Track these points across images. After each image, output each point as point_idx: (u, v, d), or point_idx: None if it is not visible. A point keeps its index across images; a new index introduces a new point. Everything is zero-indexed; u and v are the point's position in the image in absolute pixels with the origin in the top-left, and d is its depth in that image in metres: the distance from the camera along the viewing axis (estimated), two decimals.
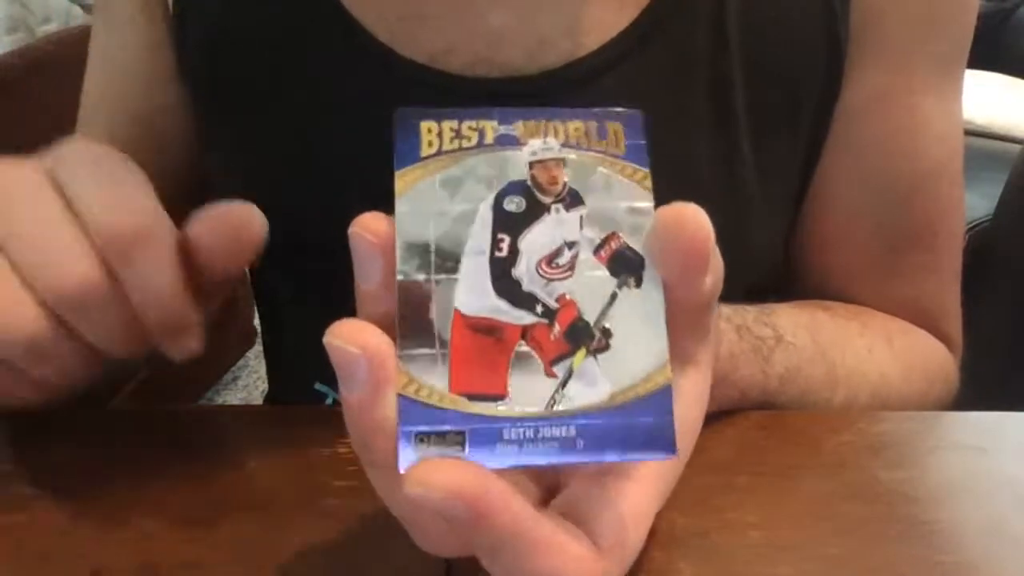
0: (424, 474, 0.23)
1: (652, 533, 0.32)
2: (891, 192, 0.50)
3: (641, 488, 0.27)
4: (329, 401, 0.53)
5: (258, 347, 1.82)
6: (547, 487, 0.28)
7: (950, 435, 0.40)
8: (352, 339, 0.24)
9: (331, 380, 0.35)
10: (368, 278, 0.25)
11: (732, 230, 0.49)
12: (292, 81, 0.48)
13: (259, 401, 1.52)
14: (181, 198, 0.58)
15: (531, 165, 0.27)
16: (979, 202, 1.18)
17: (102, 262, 0.31)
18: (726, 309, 0.41)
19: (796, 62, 0.47)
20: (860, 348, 0.48)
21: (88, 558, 0.32)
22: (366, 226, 0.25)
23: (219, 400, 1.77)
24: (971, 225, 1.17)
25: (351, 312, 0.26)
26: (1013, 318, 1.07)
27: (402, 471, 0.23)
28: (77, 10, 1.52)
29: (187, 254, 0.33)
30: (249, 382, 1.84)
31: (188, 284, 0.33)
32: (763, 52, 0.47)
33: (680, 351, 0.27)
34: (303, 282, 0.52)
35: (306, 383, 0.53)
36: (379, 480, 0.26)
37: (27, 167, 0.33)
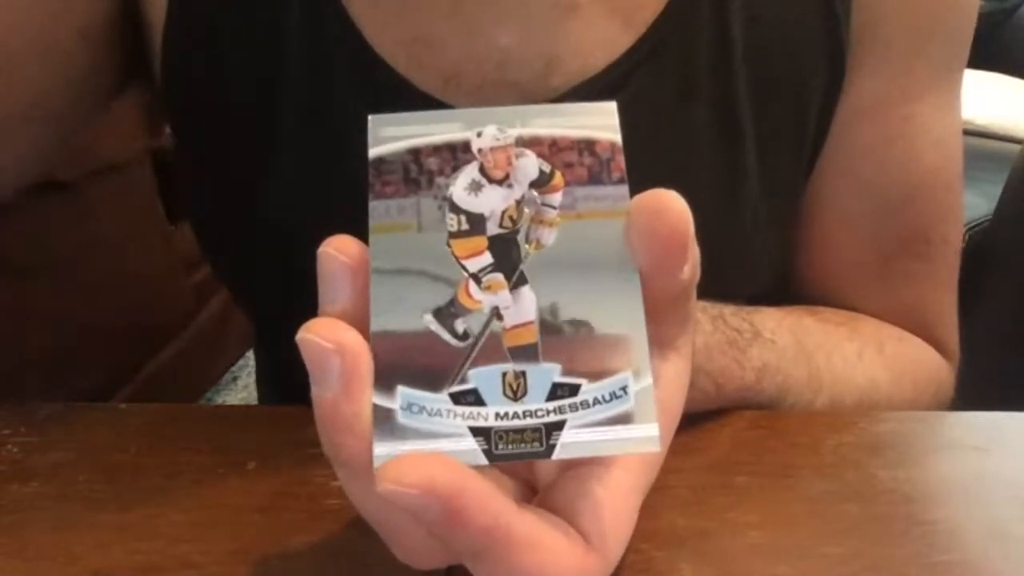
0: (396, 470, 0.22)
1: (652, 533, 0.32)
2: (885, 199, 0.50)
3: (623, 479, 0.26)
4: None
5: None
6: (526, 481, 0.27)
7: (950, 435, 0.40)
8: (326, 335, 0.23)
9: None
10: (334, 300, 0.25)
11: (734, 243, 0.49)
12: (303, 106, 0.46)
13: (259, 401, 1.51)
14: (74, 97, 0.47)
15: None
16: (979, 202, 1.18)
17: None
18: (701, 301, 0.40)
19: (800, 71, 0.47)
20: (848, 352, 0.47)
21: (88, 558, 0.32)
22: (338, 247, 0.25)
23: (219, 400, 1.77)
24: (971, 225, 1.17)
25: None
26: (1013, 318, 1.07)
27: (376, 466, 0.22)
28: None
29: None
30: (249, 382, 1.84)
31: None
32: (767, 63, 0.46)
33: (660, 337, 0.26)
34: (297, 300, 0.50)
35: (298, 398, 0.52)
36: (351, 484, 0.25)
37: None
